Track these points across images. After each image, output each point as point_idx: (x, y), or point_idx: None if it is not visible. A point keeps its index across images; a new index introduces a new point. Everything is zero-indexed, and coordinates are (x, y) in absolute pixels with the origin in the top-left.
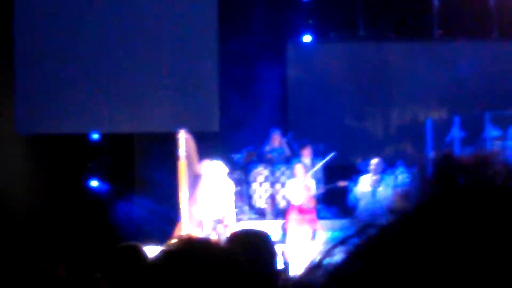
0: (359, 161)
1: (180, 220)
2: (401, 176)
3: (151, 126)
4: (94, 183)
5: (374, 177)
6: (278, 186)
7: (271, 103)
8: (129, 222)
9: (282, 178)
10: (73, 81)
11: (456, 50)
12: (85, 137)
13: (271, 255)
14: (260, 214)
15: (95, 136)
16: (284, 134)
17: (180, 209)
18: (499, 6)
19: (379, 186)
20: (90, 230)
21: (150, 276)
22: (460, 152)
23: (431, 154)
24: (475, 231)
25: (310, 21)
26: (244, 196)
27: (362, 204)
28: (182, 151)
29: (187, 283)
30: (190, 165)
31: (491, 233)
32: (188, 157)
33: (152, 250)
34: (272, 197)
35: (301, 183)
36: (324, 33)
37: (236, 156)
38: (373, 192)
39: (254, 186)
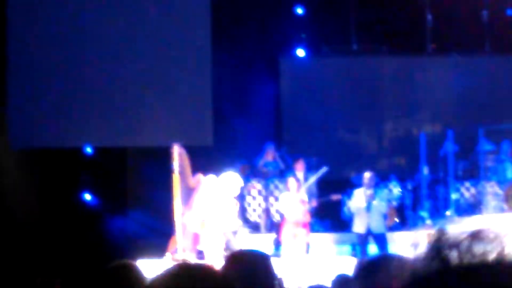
0: (352, 175)
1: (174, 233)
2: (395, 189)
3: (145, 140)
4: (87, 196)
5: (368, 191)
6: (272, 199)
7: (264, 117)
8: (123, 236)
9: (276, 192)
10: (66, 95)
11: (449, 64)
12: (78, 151)
13: (270, 276)
14: (254, 227)
15: (89, 150)
16: (277, 148)
17: (174, 222)
18: (492, 20)
19: (373, 199)
20: (83, 243)
21: None
22: (454, 166)
23: (425, 169)
24: None
25: (303, 35)
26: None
27: (357, 218)
28: (175, 165)
29: None
30: (183, 179)
31: None
32: (181, 171)
33: (145, 264)
34: (266, 211)
35: (294, 196)
36: (317, 47)
37: (230, 170)
38: (368, 206)
39: (248, 199)
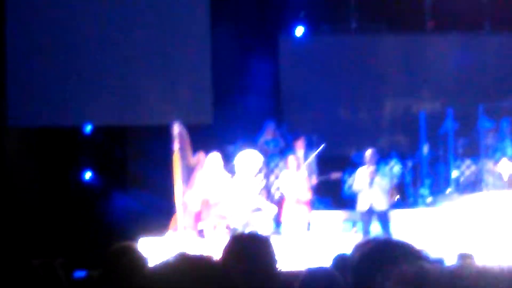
0: (352, 152)
1: (175, 212)
2: (395, 168)
3: (145, 119)
4: (87, 175)
5: (370, 168)
6: (272, 177)
7: (264, 95)
8: (123, 215)
9: (276, 170)
10: (65, 73)
11: (449, 42)
12: (78, 129)
13: (271, 260)
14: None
15: (88, 128)
16: (277, 126)
17: (174, 201)
18: None
19: (375, 176)
20: (84, 223)
21: None
22: (454, 144)
23: (425, 147)
24: None
25: (303, 13)
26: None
27: (361, 195)
28: (175, 143)
29: None
30: (183, 157)
31: None
32: (181, 150)
33: (147, 242)
34: (267, 189)
35: (294, 175)
36: (317, 26)
37: (230, 148)
38: (370, 183)
39: None
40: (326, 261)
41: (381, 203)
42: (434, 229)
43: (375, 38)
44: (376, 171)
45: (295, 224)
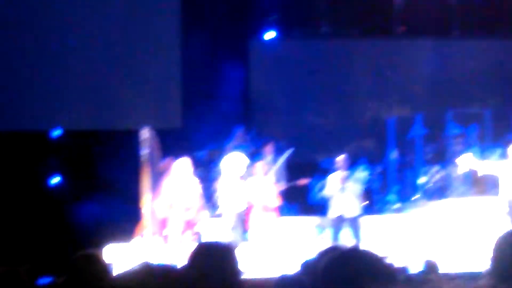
0: (321, 158)
1: (142, 218)
2: (363, 173)
3: (114, 124)
4: (54, 180)
5: (342, 174)
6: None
7: (234, 100)
8: (90, 220)
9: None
10: (34, 77)
11: (418, 47)
12: (46, 134)
13: (235, 269)
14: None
15: (56, 132)
16: (247, 131)
17: (142, 207)
18: (461, 4)
19: (347, 182)
20: (50, 228)
21: None
22: (422, 150)
23: (393, 153)
24: None
25: (274, 17)
26: (206, 194)
27: (332, 201)
28: (144, 148)
29: None
30: (152, 162)
31: None
32: (150, 155)
33: (113, 249)
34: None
35: (261, 181)
36: (288, 30)
37: (199, 154)
38: (342, 189)
39: (216, 183)
40: (294, 268)
41: (353, 209)
42: (401, 236)
43: (346, 43)
44: (348, 177)
45: (262, 230)
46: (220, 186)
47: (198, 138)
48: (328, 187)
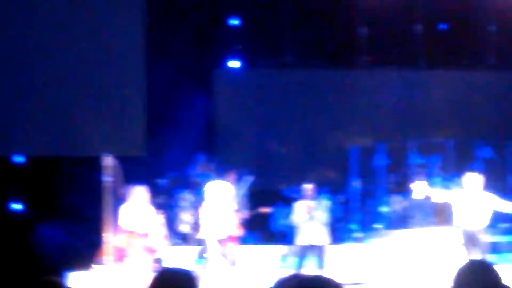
0: (284, 187)
1: (102, 245)
2: (325, 202)
3: (77, 150)
4: (16, 206)
5: (310, 203)
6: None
7: (197, 128)
8: (52, 246)
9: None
10: None
11: (382, 77)
12: (8, 160)
13: None
14: (184, 239)
15: (20, 159)
16: (210, 159)
17: (102, 234)
18: (425, 34)
19: (315, 211)
20: (11, 254)
21: None
22: (385, 179)
23: (355, 182)
24: None
25: (238, 47)
26: (168, 221)
27: (299, 231)
28: (107, 175)
29: None
30: (115, 189)
31: None
32: (113, 182)
33: (74, 276)
34: (196, 223)
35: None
36: (252, 59)
37: (161, 181)
38: (310, 218)
39: (178, 211)
40: None
41: (320, 238)
42: (363, 265)
43: (309, 73)
44: (316, 205)
45: (223, 259)
46: (203, 212)
47: (161, 166)
48: (296, 215)
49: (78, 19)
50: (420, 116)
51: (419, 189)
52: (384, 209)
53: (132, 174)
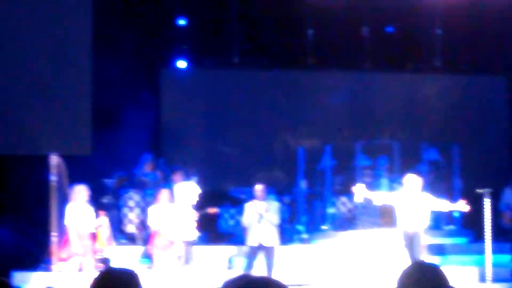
0: (230, 188)
1: (50, 244)
2: (275, 203)
3: (22, 149)
4: None
5: (260, 204)
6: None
7: (144, 128)
8: None
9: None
10: None
11: (329, 79)
12: None
13: None
14: (130, 239)
15: None
16: (156, 159)
17: (50, 233)
18: (373, 37)
19: (265, 212)
20: None
21: None
22: (331, 181)
23: (302, 183)
24: None
25: (185, 47)
26: (114, 221)
27: (249, 231)
28: (53, 174)
29: None
30: (60, 188)
31: None
32: (59, 181)
33: (20, 276)
34: (143, 223)
35: (166, 209)
36: (199, 59)
37: (107, 181)
38: (260, 219)
39: (125, 211)
40: None
41: (270, 239)
42: (309, 266)
43: (257, 73)
44: (266, 206)
45: (165, 258)
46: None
47: (107, 165)
48: (246, 216)
49: (23, 17)
50: (366, 118)
51: (359, 192)
52: (330, 210)
53: (78, 173)
